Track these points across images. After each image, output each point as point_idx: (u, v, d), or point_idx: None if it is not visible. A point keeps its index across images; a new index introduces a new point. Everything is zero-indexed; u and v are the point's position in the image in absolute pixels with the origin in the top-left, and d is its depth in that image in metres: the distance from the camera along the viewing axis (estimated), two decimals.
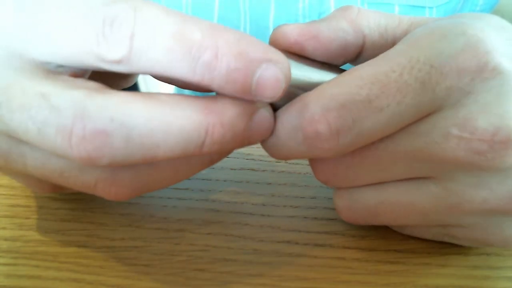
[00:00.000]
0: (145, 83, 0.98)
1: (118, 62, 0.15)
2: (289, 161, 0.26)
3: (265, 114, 0.17)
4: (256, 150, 0.27)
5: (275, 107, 0.18)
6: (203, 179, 0.25)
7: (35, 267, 0.20)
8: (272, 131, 0.18)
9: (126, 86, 0.23)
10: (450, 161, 0.17)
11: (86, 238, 0.21)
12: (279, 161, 0.26)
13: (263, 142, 0.18)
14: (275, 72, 0.16)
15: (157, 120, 0.15)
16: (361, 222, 0.20)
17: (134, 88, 0.74)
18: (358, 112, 0.16)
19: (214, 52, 0.15)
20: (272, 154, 0.19)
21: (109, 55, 0.15)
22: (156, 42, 0.15)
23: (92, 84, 0.16)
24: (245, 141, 0.17)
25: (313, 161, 0.19)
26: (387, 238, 0.21)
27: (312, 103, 0.17)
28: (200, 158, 0.18)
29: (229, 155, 0.27)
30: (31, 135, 0.16)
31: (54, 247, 0.21)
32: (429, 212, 0.18)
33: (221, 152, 0.18)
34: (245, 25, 0.41)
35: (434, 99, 0.17)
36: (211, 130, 0.16)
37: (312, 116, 0.17)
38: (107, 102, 0.15)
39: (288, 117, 0.17)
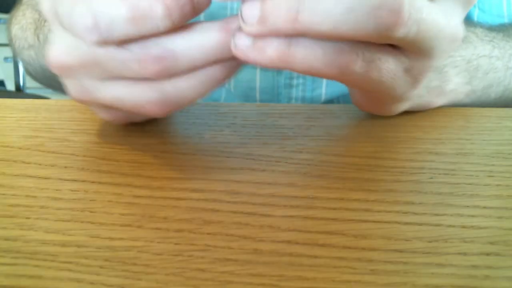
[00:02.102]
0: None
1: (98, 42, 0.22)
2: (289, 161, 0.26)
3: None
4: (256, 150, 0.27)
5: None
6: (203, 179, 0.25)
7: (35, 267, 0.20)
8: None
9: None
10: None
11: (86, 238, 0.21)
12: (279, 161, 0.26)
13: None
14: None
15: (195, 44, 0.22)
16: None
17: None
18: None
19: (164, 5, 0.21)
20: None
21: (90, 41, 0.22)
22: (116, 21, 0.21)
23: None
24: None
25: None
26: (387, 238, 0.21)
27: None
28: (225, 66, 0.24)
29: (229, 155, 0.27)
30: (117, 70, 0.23)
31: (54, 247, 0.21)
32: (441, 28, 0.22)
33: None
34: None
35: None
36: (227, 40, 0.22)
37: None
38: (168, 38, 0.22)
39: None
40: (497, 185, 0.24)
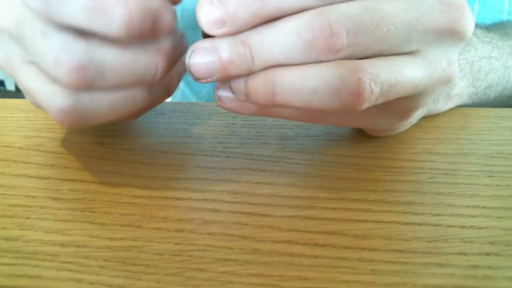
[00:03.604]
0: None
1: (40, 13, 0.20)
2: (289, 161, 0.26)
3: (183, 38, 0.23)
4: (256, 150, 0.27)
5: None
6: (203, 179, 0.25)
7: (35, 267, 0.20)
8: None
9: None
10: (436, 29, 0.21)
11: (86, 238, 0.21)
12: (279, 161, 0.26)
13: None
14: (168, 16, 0.21)
15: (123, 61, 0.21)
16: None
17: None
18: None
19: (127, 12, 0.19)
20: None
21: (31, 7, 0.20)
22: (69, 4, 0.19)
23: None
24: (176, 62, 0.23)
25: None
26: (387, 238, 0.21)
27: None
28: (157, 88, 0.24)
29: (229, 155, 0.27)
30: (36, 57, 0.21)
31: (54, 247, 0.21)
32: (420, 82, 0.22)
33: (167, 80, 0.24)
34: None
35: None
36: (160, 64, 0.22)
37: None
38: (88, 45, 0.20)
39: None
40: (497, 185, 0.24)
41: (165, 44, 0.22)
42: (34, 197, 0.24)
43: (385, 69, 0.20)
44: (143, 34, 0.20)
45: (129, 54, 0.21)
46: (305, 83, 0.20)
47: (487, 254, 0.20)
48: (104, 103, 0.22)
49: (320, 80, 0.20)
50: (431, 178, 0.25)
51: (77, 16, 0.20)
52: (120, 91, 0.22)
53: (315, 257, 0.20)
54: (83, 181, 0.25)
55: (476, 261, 0.20)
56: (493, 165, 0.26)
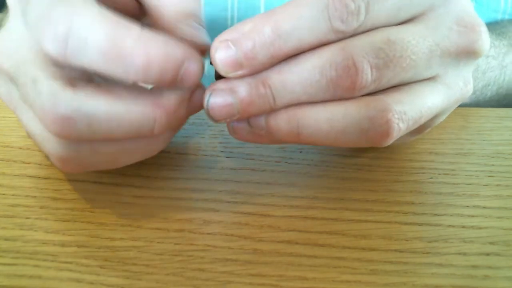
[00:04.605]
0: None
1: (57, 57, 0.19)
2: (289, 161, 0.26)
3: (200, 92, 0.21)
4: (256, 150, 0.27)
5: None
6: (203, 179, 0.25)
7: (35, 267, 0.20)
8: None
9: None
10: (455, 52, 0.21)
11: (86, 238, 0.21)
12: (279, 161, 0.26)
13: None
14: (194, 66, 0.19)
15: (114, 113, 0.19)
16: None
17: None
18: None
19: (146, 58, 0.18)
20: None
21: (48, 51, 0.19)
22: (89, 45, 0.18)
23: (75, 73, 0.20)
24: (188, 116, 0.21)
25: None
26: (387, 238, 0.21)
27: None
28: (155, 139, 0.22)
29: (229, 155, 0.27)
30: (28, 102, 0.20)
31: (54, 247, 0.21)
32: (440, 108, 0.22)
33: (172, 129, 0.22)
34: (233, 5, 0.41)
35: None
36: (158, 119, 0.20)
37: None
38: (75, 95, 0.19)
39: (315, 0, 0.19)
40: (497, 185, 0.24)
41: (169, 97, 0.20)
42: (34, 197, 0.24)
43: (411, 104, 0.20)
44: (162, 83, 0.19)
45: (121, 106, 0.19)
46: (332, 124, 0.20)
47: (487, 254, 0.20)
48: (104, 153, 0.21)
49: (347, 121, 0.19)
50: (431, 178, 0.25)
51: (95, 60, 0.18)
52: (118, 142, 0.21)
53: (315, 257, 0.20)
54: (83, 181, 0.25)
55: (476, 261, 0.20)
56: (493, 165, 0.26)
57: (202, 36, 0.21)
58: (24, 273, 0.19)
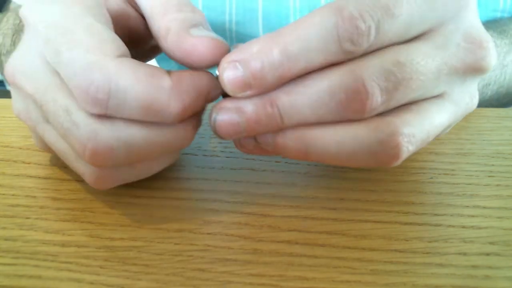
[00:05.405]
0: None
1: (99, 115, 0.20)
2: (289, 161, 0.26)
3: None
4: None
5: None
6: (203, 179, 0.25)
7: (35, 267, 0.20)
8: None
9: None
10: (462, 69, 0.21)
11: (86, 238, 0.21)
12: (279, 161, 0.26)
13: None
14: (215, 93, 0.21)
15: (151, 137, 0.20)
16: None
17: None
18: (381, 14, 0.18)
19: (182, 106, 0.20)
20: None
21: (89, 111, 0.19)
22: (128, 104, 0.19)
23: None
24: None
25: None
26: (387, 238, 0.21)
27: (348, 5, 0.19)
28: (168, 155, 0.23)
29: (229, 155, 0.27)
30: (59, 130, 0.20)
31: (54, 247, 0.21)
32: (447, 125, 0.22)
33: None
34: (231, 9, 0.41)
35: (435, 15, 0.20)
36: (189, 135, 0.21)
37: (350, 14, 0.18)
38: (113, 125, 0.20)
39: (324, 20, 0.18)
40: (497, 185, 0.24)
41: (195, 118, 0.22)
42: (34, 197, 0.24)
43: (420, 126, 0.20)
44: (194, 114, 0.21)
45: (155, 129, 0.20)
46: (341, 147, 0.20)
47: (487, 254, 0.20)
48: (137, 171, 0.22)
49: (356, 144, 0.19)
50: (431, 178, 0.25)
51: (134, 115, 0.19)
52: (151, 160, 0.22)
53: (315, 257, 0.20)
54: (83, 181, 0.25)
55: (476, 261, 0.20)
56: (493, 165, 0.26)
57: (215, 35, 0.21)
58: (24, 273, 0.19)
